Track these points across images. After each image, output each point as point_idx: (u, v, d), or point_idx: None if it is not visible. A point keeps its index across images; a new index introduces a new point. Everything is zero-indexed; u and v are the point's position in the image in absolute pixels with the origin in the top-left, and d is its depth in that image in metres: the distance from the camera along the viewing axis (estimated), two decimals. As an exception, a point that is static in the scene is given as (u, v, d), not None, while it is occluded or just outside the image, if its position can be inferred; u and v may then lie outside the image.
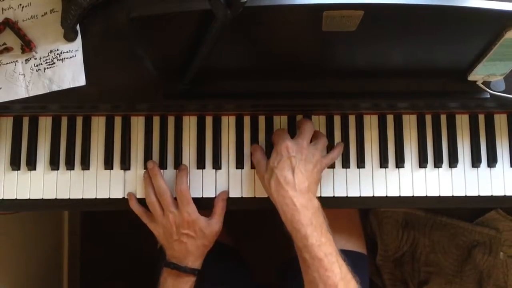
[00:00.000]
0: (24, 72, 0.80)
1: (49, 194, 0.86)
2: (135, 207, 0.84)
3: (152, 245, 0.92)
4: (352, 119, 0.88)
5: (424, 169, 0.87)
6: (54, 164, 0.86)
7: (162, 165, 0.86)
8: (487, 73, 0.75)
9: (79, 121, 0.87)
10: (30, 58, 0.80)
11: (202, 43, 0.65)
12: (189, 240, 0.81)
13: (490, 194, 0.87)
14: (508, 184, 0.87)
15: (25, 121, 0.87)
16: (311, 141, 0.82)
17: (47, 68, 0.80)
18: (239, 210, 0.86)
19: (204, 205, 0.85)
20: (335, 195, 0.86)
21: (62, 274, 1.47)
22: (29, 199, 0.86)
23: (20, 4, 0.80)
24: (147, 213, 0.84)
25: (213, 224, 0.83)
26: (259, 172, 0.81)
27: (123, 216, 0.84)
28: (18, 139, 0.86)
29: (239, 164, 0.86)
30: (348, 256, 0.99)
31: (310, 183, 0.77)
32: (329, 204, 0.85)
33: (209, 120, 0.87)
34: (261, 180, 0.81)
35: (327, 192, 0.86)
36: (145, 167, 0.86)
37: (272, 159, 0.78)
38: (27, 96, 0.80)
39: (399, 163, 0.87)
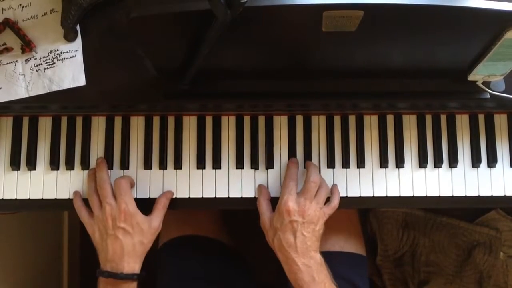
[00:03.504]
0: (24, 72, 0.80)
1: (49, 194, 0.86)
2: (77, 203, 0.83)
3: (152, 244, 0.91)
4: (352, 119, 0.88)
5: (424, 169, 0.87)
6: (54, 164, 0.86)
7: (162, 165, 0.86)
8: (487, 73, 0.75)
9: (79, 121, 0.87)
10: (30, 58, 0.80)
11: (202, 43, 0.65)
12: (125, 237, 0.77)
13: (490, 194, 0.87)
14: (508, 184, 0.87)
15: (25, 121, 0.87)
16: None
17: (47, 68, 0.80)
18: (239, 210, 0.86)
19: (204, 206, 0.85)
20: (335, 195, 0.86)
21: (62, 274, 1.47)
22: (29, 199, 0.86)
23: (20, 4, 0.80)
24: (86, 209, 0.82)
25: (152, 220, 0.80)
26: (262, 223, 0.82)
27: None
28: (18, 139, 0.86)
29: (239, 164, 0.86)
30: (347, 258, 0.99)
31: (312, 242, 0.79)
32: (329, 204, 0.85)
33: (209, 120, 0.87)
34: (264, 231, 0.82)
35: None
36: (145, 168, 0.86)
37: (275, 219, 0.79)
38: (27, 96, 0.79)
39: (399, 163, 0.87)
